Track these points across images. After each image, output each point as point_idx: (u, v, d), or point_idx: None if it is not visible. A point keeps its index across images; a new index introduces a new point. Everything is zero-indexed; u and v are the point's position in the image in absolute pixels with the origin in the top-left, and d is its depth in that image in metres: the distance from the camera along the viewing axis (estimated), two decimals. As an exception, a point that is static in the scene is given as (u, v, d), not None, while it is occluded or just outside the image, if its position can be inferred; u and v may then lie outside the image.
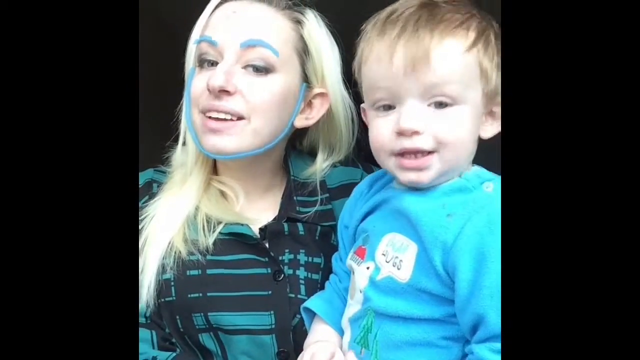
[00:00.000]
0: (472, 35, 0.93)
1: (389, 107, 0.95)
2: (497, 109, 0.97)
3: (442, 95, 0.91)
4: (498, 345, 0.86)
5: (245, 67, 1.14)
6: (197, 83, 1.16)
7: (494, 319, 0.86)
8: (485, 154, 0.99)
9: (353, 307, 1.00)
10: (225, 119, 1.13)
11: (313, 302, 1.09)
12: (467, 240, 0.89)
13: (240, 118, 1.13)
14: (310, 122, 1.22)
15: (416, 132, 0.91)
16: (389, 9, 0.97)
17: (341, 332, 1.04)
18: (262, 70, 1.14)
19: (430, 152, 0.93)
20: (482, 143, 0.99)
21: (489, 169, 0.99)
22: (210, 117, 1.13)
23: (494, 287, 0.86)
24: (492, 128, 0.98)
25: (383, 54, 0.93)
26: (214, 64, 1.15)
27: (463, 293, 0.88)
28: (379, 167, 1.04)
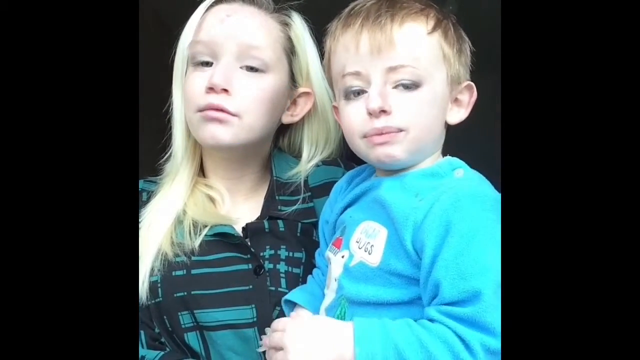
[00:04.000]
0: (431, 21, 0.97)
1: (359, 93, 0.97)
2: (462, 97, 1.01)
3: (408, 76, 0.94)
4: (445, 307, 0.86)
5: (242, 66, 1.18)
6: (191, 83, 1.19)
7: (446, 289, 0.86)
8: (485, 154, 1.00)
9: (329, 296, 1.01)
10: (224, 111, 1.16)
11: (294, 294, 1.09)
12: (433, 218, 0.90)
13: (234, 115, 1.16)
14: (296, 119, 1.26)
15: (384, 111, 0.94)
16: (350, 5, 1.01)
17: None
18: (257, 69, 1.18)
19: (399, 131, 0.95)
20: (481, 143, 0.99)
21: (489, 168, 0.99)
22: (209, 109, 1.16)
23: (450, 259, 0.87)
24: (458, 114, 1.01)
25: (349, 42, 0.96)
26: (208, 64, 1.18)
27: (425, 268, 0.89)
28: (356, 163, 1.06)
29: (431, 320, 0.87)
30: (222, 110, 1.15)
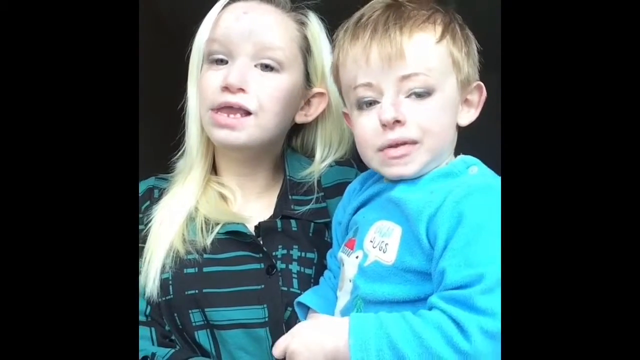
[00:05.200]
0: (439, 28, 0.96)
1: (371, 103, 0.97)
2: (471, 97, 1.01)
3: (421, 84, 0.94)
4: (445, 292, 0.86)
5: (257, 65, 1.17)
6: (207, 80, 1.19)
7: (449, 274, 0.86)
8: (485, 155, 1.00)
9: (343, 297, 1.01)
10: (234, 116, 1.16)
11: (307, 297, 1.09)
12: (445, 210, 0.90)
13: (248, 114, 1.16)
14: (309, 119, 1.26)
15: (398, 121, 0.94)
16: (356, 14, 1.00)
17: None
18: (272, 68, 1.18)
19: (414, 143, 0.95)
20: (481, 142, 0.99)
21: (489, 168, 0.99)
22: (220, 113, 1.16)
23: (458, 249, 0.87)
24: (468, 115, 1.01)
25: (359, 55, 0.96)
26: (223, 62, 1.18)
27: (435, 258, 0.89)
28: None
29: (430, 307, 0.87)
30: (239, 107, 1.15)
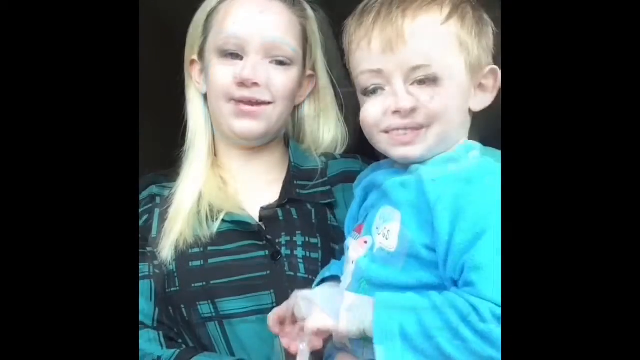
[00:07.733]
0: (446, 9, 0.94)
1: (376, 90, 0.96)
2: (486, 82, 0.97)
3: (425, 72, 0.92)
4: (469, 288, 0.86)
5: (270, 60, 1.21)
6: (221, 74, 1.21)
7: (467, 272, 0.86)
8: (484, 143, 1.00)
9: (346, 279, 1.00)
10: (257, 103, 1.19)
11: (332, 269, 1.08)
12: (444, 202, 0.89)
13: (265, 104, 1.19)
14: (301, 100, 1.30)
15: (413, 109, 0.92)
16: (365, 0, 0.98)
17: None
18: (284, 63, 1.22)
19: (420, 127, 0.94)
20: (481, 143, 1.00)
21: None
22: (242, 105, 1.19)
23: (465, 243, 0.86)
24: (482, 100, 0.98)
25: (361, 40, 0.95)
26: (236, 56, 1.20)
27: (441, 251, 0.88)
28: (374, 159, 1.07)
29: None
30: (255, 102, 1.18)
